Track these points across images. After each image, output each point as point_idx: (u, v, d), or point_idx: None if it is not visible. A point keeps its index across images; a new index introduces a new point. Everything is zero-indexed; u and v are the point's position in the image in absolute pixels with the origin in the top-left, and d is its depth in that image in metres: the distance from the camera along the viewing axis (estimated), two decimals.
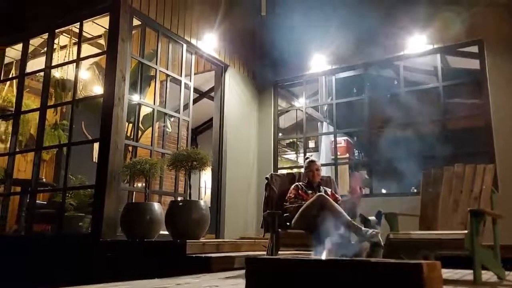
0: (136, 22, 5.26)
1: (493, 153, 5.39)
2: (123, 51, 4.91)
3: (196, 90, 7.48)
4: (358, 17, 6.09)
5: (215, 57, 6.47)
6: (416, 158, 5.55)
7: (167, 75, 5.63)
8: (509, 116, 5.41)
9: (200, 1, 6.24)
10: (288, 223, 4.05)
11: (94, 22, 5.64)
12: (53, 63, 5.72)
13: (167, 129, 5.88)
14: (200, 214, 4.47)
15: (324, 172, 5.69)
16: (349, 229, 3.70)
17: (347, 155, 8.36)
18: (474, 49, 5.85)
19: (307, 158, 4.76)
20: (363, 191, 6.61)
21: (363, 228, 3.65)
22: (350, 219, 3.73)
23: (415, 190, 6.24)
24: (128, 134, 5.52)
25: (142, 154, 5.27)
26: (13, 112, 5.90)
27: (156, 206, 4.49)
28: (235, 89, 6.82)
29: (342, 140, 8.27)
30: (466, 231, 3.17)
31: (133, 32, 5.27)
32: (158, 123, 5.84)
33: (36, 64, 6.14)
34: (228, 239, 5.87)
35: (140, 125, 5.67)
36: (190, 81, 5.96)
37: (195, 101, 7.21)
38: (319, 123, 8.40)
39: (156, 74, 5.53)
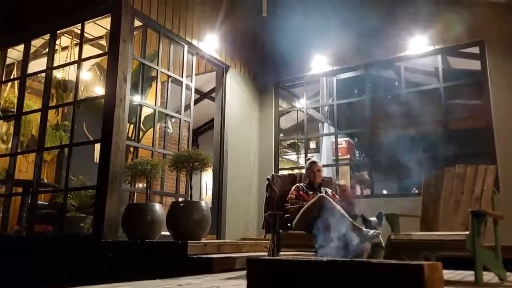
0: (137, 23, 5.27)
1: (494, 153, 5.38)
2: (125, 52, 4.92)
3: (197, 91, 7.50)
4: (359, 18, 6.09)
5: (216, 58, 6.48)
6: (417, 159, 5.55)
7: (168, 76, 5.64)
8: (510, 117, 5.41)
9: (201, 2, 6.25)
10: (289, 224, 4.05)
11: (96, 23, 5.65)
12: (55, 64, 5.73)
13: (168, 130, 5.88)
14: (201, 215, 4.47)
15: (325, 173, 5.69)
16: (350, 230, 3.70)
17: (348, 156, 8.36)
18: (475, 50, 5.85)
19: (309, 159, 4.76)
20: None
21: (364, 229, 3.65)
22: (351, 220, 3.73)
23: (416, 191, 6.23)
24: (130, 135, 5.53)
25: (143, 155, 5.28)
26: (14, 113, 5.92)
27: (157, 207, 4.49)
28: (236, 90, 6.82)
29: (343, 141, 8.27)
30: (467, 232, 3.17)
31: (134, 33, 5.28)
32: (159, 124, 5.85)
33: (37, 65, 6.15)
34: (229, 240, 5.87)
35: (141, 126, 5.68)
36: (191, 82, 5.96)
37: (196, 102, 7.22)
38: (320, 124, 8.41)
39: (157, 75, 5.54)
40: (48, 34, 5.74)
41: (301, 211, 3.95)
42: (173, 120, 6.26)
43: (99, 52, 6.10)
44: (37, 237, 5.27)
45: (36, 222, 5.34)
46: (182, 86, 5.79)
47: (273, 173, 6.20)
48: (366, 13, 6.10)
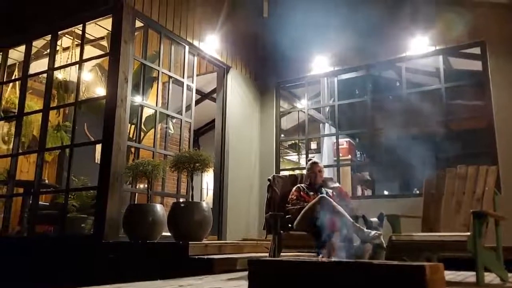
0: (138, 24, 5.28)
1: (496, 154, 5.37)
2: (126, 53, 4.92)
3: (198, 91, 7.50)
4: (360, 18, 6.09)
5: (217, 58, 6.48)
6: (418, 160, 5.54)
7: (170, 77, 5.64)
8: (511, 117, 5.40)
9: (202, 3, 6.25)
10: (290, 225, 4.05)
11: (97, 24, 5.66)
12: (56, 65, 5.73)
13: (170, 131, 5.88)
14: (202, 215, 4.47)
15: (326, 173, 5.69)
16: (351, 231, 3.69)
17: (349, 156, 8.36)
18: (477, 50, 5.84)
19: (310, 159, 4.75)
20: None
21: (365, 230, 3.64)
22: (352, 220, 3.72)
23: (418, 192, 6.23)
24: (131, 136, 5.53)
25: (144, 156, 5.28)
26: (16, 113, 5.92)
27: (159, 207, 4.49)
28: (237, 91, 6.83)
29: (344, 142, 8.27)
30: (468, 233, 3.16)
31: (135, 33, 5.28)
32: (160, 124, 5.85)
33: (39, 65, 6.16)
34: (230, 240, 5.87)
35: (142, 126, 5.68)
36: (192, 82, 5.96)
37: (197, 102, 7.22)
38: (321, 125, 8.41)
39: (158, 75, 5.54)
40: (49, 35, 5.75)
41: (302, 212, 3.95)
42: (174, 120, 6.26)
43: (100, 52, 6.11)
44: (38, 238, 5.27)
45: (37, 223, 5.34)
46: (183, 87, 5.79)
47: (274, 173, 6.20)
48: (367, 13, 6.09)
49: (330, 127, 8.02)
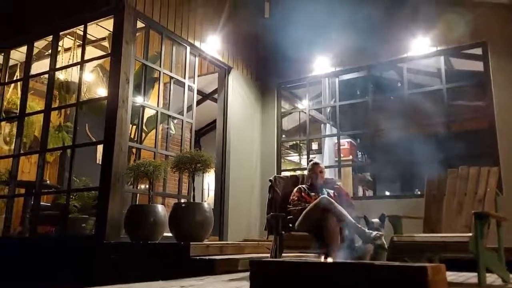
0: (140, 24, 5.28)
1: (497, 155, 5.36)
2: (127, 54, 4.93)
3: (199, 92, 7.50)
4: (362, 18, 6.09)
5: (219, 59, 6.49)
6: (420, 160, 5.54)
7: (171, 77, 5.65)
8: None
9: (203, 4, 6.26)
10: (291, 225, 4.05)
11: (98, 25, 5.67)
12: (58, 66, 5.74)
13: (171, 131, 5.89)
14: (204, 216, 4.47)
15: (327, 174, 5.68)
16: (353, 232, 3.69)
17: (351, 157, 8.35)
18: (478, 51, 5.83)
19: (311, 160, 4.75)
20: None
21: (367, 231, 3.64)
22: (354, 221, 3.72)
23: (419, 192, 6.22)
24: (132, 136, 5.54)
25: (145, 156, 5.28)
26: (17, 114, 5.93)
27: (160, 208, 4.50)
28: (238, 91, 6.83)
29: (345, 142, 8.26)
30: (470, 234, 3.16)
31: (137, 34, 5.29)
32: (161, 125, 5.86)
33: (40, 66, 6.17)
34: (231, 241, 5.87)
35: (143, 127, 5.69)
36: (194, 83, 5.97)
37: (198, 103, 7.22)
38: (322, 125, 8.40)
39: (159, 76, 5.54)
40: (51, 36, 5.76)
41: (303, 212, 3.95)
42: (175, 121, 6.27)
43: (102, 53, 6.12)
44: (40, 238, 5.28)
45: (39, 223, 5.34)
46: (184, 87, 5.80)
47: (275, 174, 6.20)
48: (368, 14, 6.09)
49: (331, 127, 8.01)
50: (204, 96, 8.59)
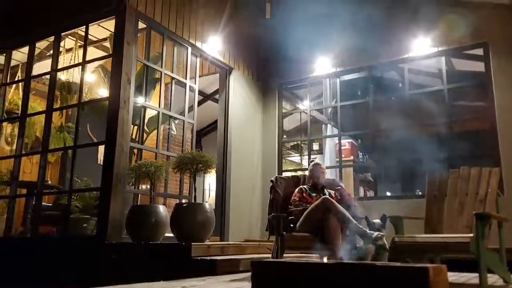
0: (141, 25, 5.29)
1: (499, 155, 5.36)
2: (129, 54, 4.94)
3: (200, 92, 7.51)
4: (363, 19, 6.09)
5: (220, 59, 6.49)
6: (421, 161, 5.54)
7: (172, 78, 5.66)
8: None
9: (205, 4, 6.26)
10: (292, 226, 4.06)
11: (100, 25, 5.68)
12: (59, 66, 5.75)
13: (172, 132, 5.89)
14: (205, 216, 4.48)
15: (329, 174, 5.69)
16: (354, 232, 3.70)
17: (352, 157, 8.34)
18: (479, 51, 5.83)
19: (312, 160, 4.76)
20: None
21: (368, 231, 3.64)
22: (355, 222, 3.72)
23: (420, 193, 6.22)
24: (134, 137, 5.54)
25: (147, 157, 5.29)
26: (19, 114, 5.94)
27: (161, 208, 4.50)
28: (239, 92, 6.83)
29: (346, 143, 8.26)
30: (471, 235, 3.16)
31: (138, 35, 5.30)
32: (163, 125, 5.86)
33: (42, 66, 6.18)
34: (232, 241, 5.87)
35: (145, 127, 5.69)
36: (195, 83, 5.98)
37: (199, 103, 7.23)
38: (323, 126, 8.40)
39: (161, 77, 5.55)
40: (52, 36, 5.77)
41: (304, 213, 3.95)
42: (176, 121, 6.28)
43: (103, 54, 6.12)
44: (41, 239, 5.29)
45: (40, 224, 5.36)
46: (185, 88, 5.81)
47: (277, 174, 6.20)
48: (369, 14, 6.09)
49: (333, 128, 8.01)
50: (205, 97, 8.59)
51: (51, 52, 5.87)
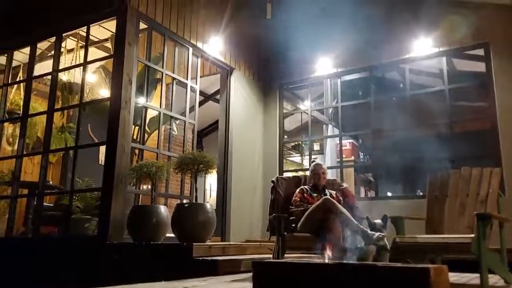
0: (142, 25, 5.29)
1: (500, 156, 5.36)
2: (130, 55, 4.95)
3: (201, 93, 7.51)
4: (364, 20, 6.09)
5: (221, 60, 6.50)
6: (422, 161, 5.54)
7: (173, 78, 5.66)
8: None
9: (206, 5, 6.27)
10: (294, 226, 4.06)
11: (101, 26, 5.68)
12: (60, 67, 5.76)
13: (173, 132, 5.90)
14: (206, 216, 4.48)
15: (330, 175, 5.69)
16: (355, 233, 3.70)
17: (353, 157, 8.34)
18: (480, 52, 5.83)
19: (313, 161, 4.76)
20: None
21: (369, 232, 3.65)
22: (356, 222, 3.72)
23: (421, 193, 6.22)
24: (135, 137, 5.55)
25: (148, 157, 5.30)
26: (20, 115, 5.95)
27: (163, 209, 4.51)
28: (240, 92, 6.84)
29: (347, 143, 8.26)
30: (472, 235, 3.16)
31: (139, 35, 5.30)
32: (164, 126, 5.87)
33: (43, 67, 6.19)
34: (233, 241, 5.88)
35: (146, 128, 5.70)
36: (196, 84, 5.98)
37: (200, 103, 7.24)
38: (324, 126, 8.40)
39: (162, 77, 5.56)
40: (54, 37, 5.77)
41: (306, 213, 3.95)
42: (177, 122, 6.28)
43: (105, 54, 6.13)
44: (42, 239, 5.29)
45: (41, 224, 5.36)
46: (186, 88, 5.81)
47: (278, 175, 6.20)
48: (370, 15, 6.10)
49: (333, 128, 8.01)
50: (206, 97, 8.60)
51: (53, 52, 5.88)
